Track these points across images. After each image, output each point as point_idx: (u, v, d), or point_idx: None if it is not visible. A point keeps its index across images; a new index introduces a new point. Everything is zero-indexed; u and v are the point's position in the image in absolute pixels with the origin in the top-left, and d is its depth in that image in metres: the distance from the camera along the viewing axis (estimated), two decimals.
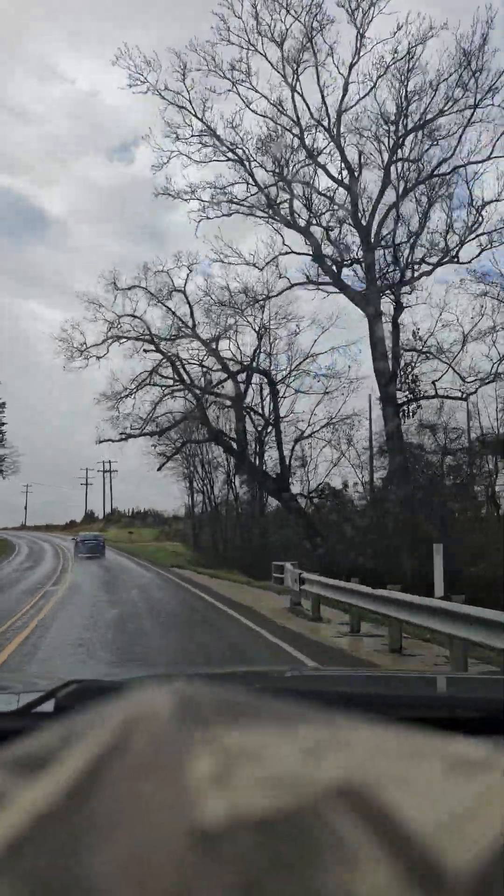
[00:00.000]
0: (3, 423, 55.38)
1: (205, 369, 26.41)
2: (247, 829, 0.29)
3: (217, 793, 0.30)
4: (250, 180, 23.69)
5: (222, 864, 0.27)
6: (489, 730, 1.22)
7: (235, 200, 23.95)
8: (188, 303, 25.53)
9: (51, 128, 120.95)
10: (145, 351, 25.38)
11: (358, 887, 0.27)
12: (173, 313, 25.50)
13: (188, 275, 26.16)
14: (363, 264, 23.24)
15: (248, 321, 26.18)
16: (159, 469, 29.85)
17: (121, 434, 25.97)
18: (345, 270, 23.89)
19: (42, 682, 1.67)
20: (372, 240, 22.93)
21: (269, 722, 0.36)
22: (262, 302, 25.54)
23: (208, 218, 24.12)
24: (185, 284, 25.53)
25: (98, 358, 25.22)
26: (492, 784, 0.32)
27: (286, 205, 23.67)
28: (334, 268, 23.69)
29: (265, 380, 27.45)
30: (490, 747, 0.36)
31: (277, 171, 23.43)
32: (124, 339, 25.27)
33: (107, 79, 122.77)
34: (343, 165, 23.10)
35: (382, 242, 23.22)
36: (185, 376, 25.95)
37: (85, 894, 0.27)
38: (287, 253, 24.21)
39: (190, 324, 25.49)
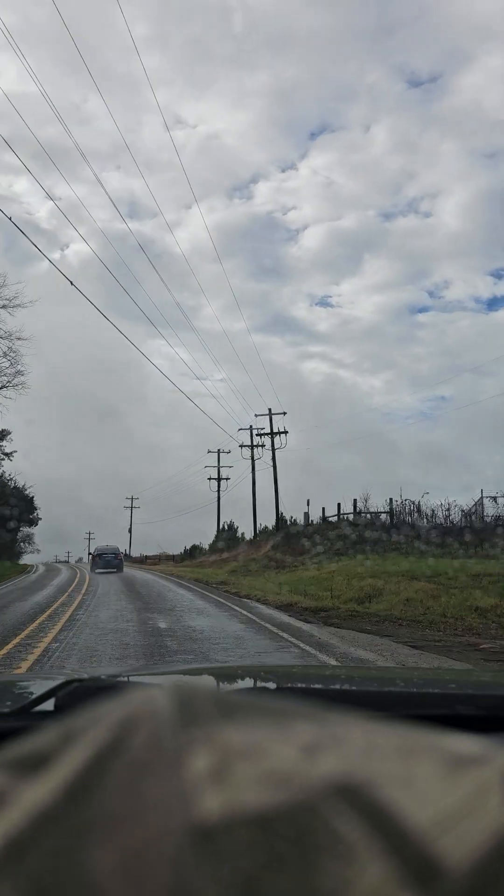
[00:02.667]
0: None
1: None
2: (244, 826, 0.29)
3: (215, 790, 0.30)
4: None
5: (220, 861, 0.27)
6: (487, 726, 1.22)
7: None
8: None
9: (174, 173, 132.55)
10: None
11: (355, 883, 0.27)
12: None
13: None
14: None
15: None
16: None
17: None
18: None
19: (42, 681, 1.63)
20: None
21: (267, 719, 0.36)
22: None
23: None
24: None
25: None
26: (488, 780, 0.32)
27: None
28: None
29: None
30: (487, 744, 0.36)
31: None
32: None
33: (227, 119, 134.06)
34: None
35: None
36: None
37: (85, 893, 0.27)
38: None
39: None
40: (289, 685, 1.71)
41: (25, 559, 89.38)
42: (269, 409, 41.70)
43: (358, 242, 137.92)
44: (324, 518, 32.07)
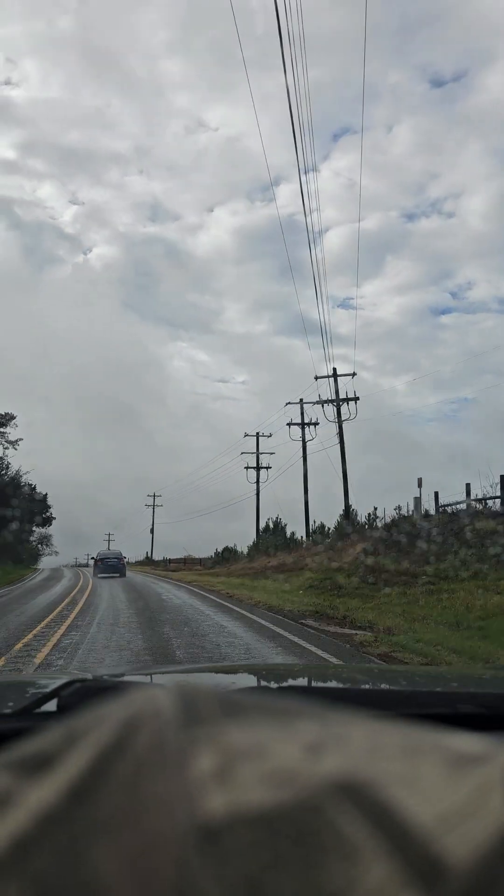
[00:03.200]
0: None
1: None
2: (248, 826, 0.29)
3: (219, 790, 0.30)
4: None
5: (225, 861, 0.28)
6: (490, 725, 1.23)
7: None
8: None
9: (196, 176, 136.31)
10: None
11: (359, 883, 0.27)
12: None
13: None
14: None
15: None
16: None
17: None
18: None
19: (45, 682, 1.63)
20: None
21: (270, 718, 0.37)
22: None
23: None
24: None
25: None
26: (491, 779, 0.32)
27: None
28: None
29: None
30: (490, 742, 0.36)
31: None
32: None
33: (249, 122, 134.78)
34: None
35: None
36: None
37: (89, 893, 0.27)
38: None
39: None
40: (291, 684, 1.71)
41: (44, 562, 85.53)
42: (334, 370, 32.21)
43: (380, 244, 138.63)
44: (439, 508, 21.93)
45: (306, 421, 35.76)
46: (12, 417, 61.07)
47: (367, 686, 1.83)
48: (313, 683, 1.84)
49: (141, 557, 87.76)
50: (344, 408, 30.44)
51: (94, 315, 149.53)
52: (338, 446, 29.57)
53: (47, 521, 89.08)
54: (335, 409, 31.08)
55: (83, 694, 1.21)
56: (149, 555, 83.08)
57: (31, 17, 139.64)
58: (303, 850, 0.28)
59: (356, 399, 30.39)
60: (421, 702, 1.47)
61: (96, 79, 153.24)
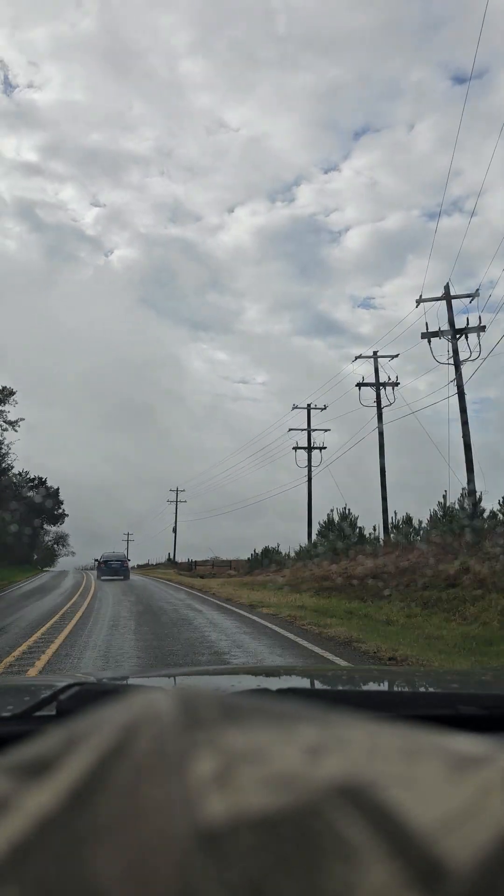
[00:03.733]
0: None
1: None
2: (249, 829, 0.29)
3: (219, 793, 0.30)
4: None
5: (226, 865, 0.27)
6: (491, 726, 1.23)
7: None
8: None
9: (217, 177, 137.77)
10: None
11: (360, 885, 0.27)
12: None
13: None
14: None
15: None
16: None
17: None
18: None
19: (44, 685, 1.61)
20: None
21: (270, 722, 0.36)
22: None
23: None
24: None
25: None
26: (492, 781, 0.32)
27: None
28: None
29: None
30: (491, 744, 0.36)
31: None
32: None
33: (270, 122, 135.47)
34: None
35: None
36: None
37: None
38: None
39: None
40: (291, 687, 1.69)
41: (61, 563, 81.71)
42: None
43: (401, 243, 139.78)
44: None
45: (382, 380, 26.85)
46: (11, 393, 53.07)
47: (367, 688, 1.86)
48: (313, 686, 1.86)
49: (162, 559, 79.79)
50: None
51: (115, 316, 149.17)
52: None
53: (59, 518, 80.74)
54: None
55: (82, 697, 1.21)
56: (171, 556, 74.48)
57: (53, 20, 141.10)
58: (304, 853, 0.28)
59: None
60: (421, 703, 1.49)
61: (118, 81, 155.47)
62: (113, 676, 2.17)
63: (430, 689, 1.78)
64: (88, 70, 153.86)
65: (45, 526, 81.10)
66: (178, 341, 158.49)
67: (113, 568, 35.96)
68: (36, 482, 73.33)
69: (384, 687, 1.87)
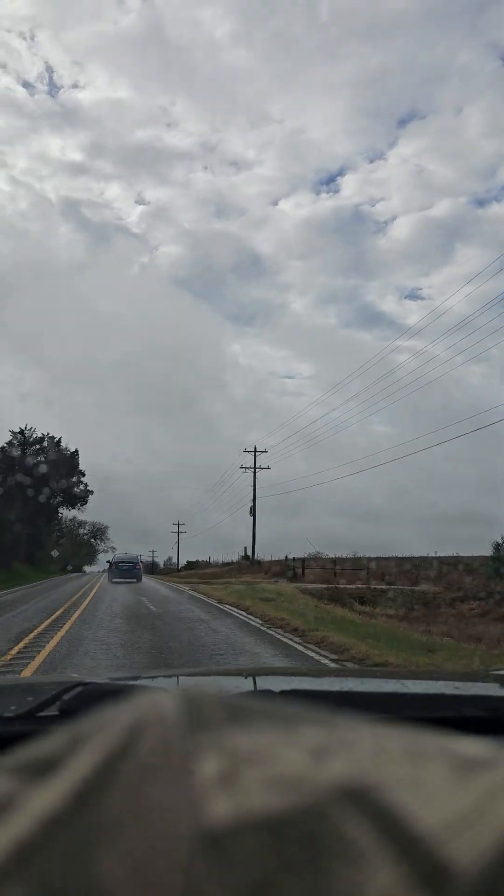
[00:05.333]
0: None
1: None
2: (253, 831, 0.29)
3: (224, 794, 0.30)
4: None
5: (230, 866, 0.27)
6: (495, 729, 1.22)
7: None
8: None
9: (260, 170, 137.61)
10: None
11: (365, 888, 0.27)
12: None
13: None
14: None
15: None
16: None
17: None
18: None
19: (47, 685, 1.60)
20: None
21: (275, 723, 0.36)
22: None
23: None
24: None
25: None
26: (498, 784, 0.32)
27: None
28: None
29: None
30: (496, 746, 0.36)
31: None
32: None
33: (313, 112, 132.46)
34: None
35: None
36: None
37: None
38: None
39: None
40: (295, 688, 1.69)
41: (100, 561, 77.47)
42: None
43: (449, 231, 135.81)
44: None
45: None
46: None
47: (370, 690, 1.84)
48: (317, 687, 1.86)
49: (230, 556, 56.31)
50: None
51: (160, 313, 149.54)
52: None
53: (80, 498, 57.46)
54: None
55: (86, 698, 1.21)
56: (248, 552, 46.91)
57: (95, 18, 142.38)
58: (309, 855, 0.28)
59: None
60: (424, 705, 1.48)
61: (161, 77, 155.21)
62: (116, 677, 2.28)
63: (434, 691, 1.78)
64: (131, 67, 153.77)
65: (60, 509, 57.44)
66: (224, 336, 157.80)
67: (124, 570, 35.53)
68: (44, 443, 49.93)
69: (387, 688, 1.87)
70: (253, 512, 45.49)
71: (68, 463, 50.65)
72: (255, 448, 47.75)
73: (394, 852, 0.28)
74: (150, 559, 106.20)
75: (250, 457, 44.17)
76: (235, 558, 53.93)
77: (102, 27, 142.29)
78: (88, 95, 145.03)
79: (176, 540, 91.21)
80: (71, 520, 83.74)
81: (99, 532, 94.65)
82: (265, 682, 1.91)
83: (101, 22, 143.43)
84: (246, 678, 2.00)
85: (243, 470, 47.32)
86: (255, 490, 46.29)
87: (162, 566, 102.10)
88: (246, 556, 46.74)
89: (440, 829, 0.29)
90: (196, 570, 57.44)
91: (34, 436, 50.24)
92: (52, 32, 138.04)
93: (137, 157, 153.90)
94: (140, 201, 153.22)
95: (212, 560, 69.12)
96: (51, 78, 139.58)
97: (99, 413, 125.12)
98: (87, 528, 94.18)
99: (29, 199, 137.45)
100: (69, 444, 52.36)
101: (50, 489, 47.34)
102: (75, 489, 54.40)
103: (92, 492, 55.93)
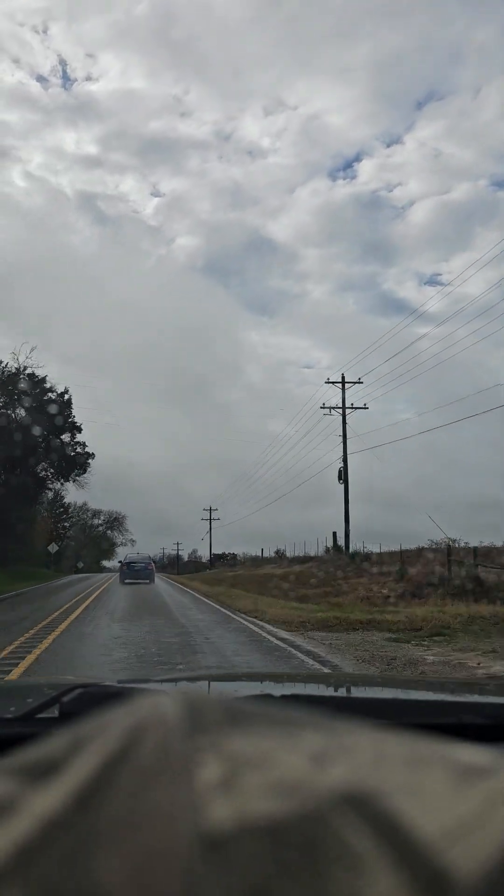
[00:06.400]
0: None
1: None
2: (253, 836, 0.29)
3: (224, 799, 0.30)
4: None
5: (229, 871, 0.27)
6: (494, 736, 1.21)
7: None
8: None
9: (276, 158, 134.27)
10: None
11: (365, 894, 0.27)
12: None
13: None
14: None
15: None
16: None
17: None
18: None
19: (46, 687, 1.61)
20: None
21: (275, 728, 0.36)
22: None
23: None
24: None
25: None
26: (498, 791, 0.32)
27: None
28: None
29: None
30: (496, 754, 0.36)
31: None
32: None
33: (329, 97, 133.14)
34: None
35: None
36: None
37: None
38: None
39: None
40: (295, 693, 1.68)
41: (120, 555, 66.13)
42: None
43: (468, 215, 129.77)
44: None
45: None
46: None
47: (370, 695, 1.83)
48: (317, 692, 1.84)
49: (259, 550, 45.74)
50: None
51: (177, 304, 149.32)
52: None
53: (80, 466, 40.20)
54: None
55: (85, 700, 1.20)
56: (337, 540, 30.95)
57: (107, 9, 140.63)
58: (308, 860, 0.28)
59: None
60: (424, 712, 1.47)
61: (174, 66, 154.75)
62: (116, 679, 2.20)
63: (433, 698, 1.78)
64: (144, 57, 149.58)
65: (50, 482, 40.47)
66: (242, 326, 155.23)
67: (136, 570, 34.71)
68: (19, 381, 33.08)
69: (387, 694, 1.84)
70: (343, 475, 28.39)
71: (58, 411, 33.71)
72: (343, 378, 30.63)
73: (393, 859, 0.28)
74: (175, 552, 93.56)
75: (330, 394, 29.86)
76: (266, 553, 44.08)
77: (115, 17, 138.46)
78: (102, 87, 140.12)
79: (207, 529, 73.99)
80: (81, 506, 67.75)
81: (116, 522, 79.79)
82: (265, 687, 1.93)
83: (114, 12, 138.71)
84: (245, 682, 2.12)
85: (327, 412, 30.50)
86: (345, 441, 29.26)
87: (186, 559, 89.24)
88: (336, 546, 29.51)
89: (440, 836, 0.29)
90: (230, 567, 46.35)
91: (4, 369, 33.25)
92: (65, 24, 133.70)
93: (152, 148, 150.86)
94: (156, 193, 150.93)
95: (240, 555, 55.15)
96: (64, 71, 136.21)
97: (114, 401, 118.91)
98: (103, 517, 79.50)
99: (45, 194, 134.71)
100: (58, 384, 35.34)
101: (32, 447, 30.78)
102: (69, 450, 37.26)
103: (92, 454, 38.80)
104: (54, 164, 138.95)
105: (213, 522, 71.21)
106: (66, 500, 60.80)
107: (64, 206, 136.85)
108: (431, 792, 0.31)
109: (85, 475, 39.77)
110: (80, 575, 45.30)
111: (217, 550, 70.52)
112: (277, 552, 44.81)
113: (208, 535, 71.36)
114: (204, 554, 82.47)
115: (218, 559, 64.79)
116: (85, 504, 73.68)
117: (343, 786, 0.31)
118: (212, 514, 71.44)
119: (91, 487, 43.02)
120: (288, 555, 40.76)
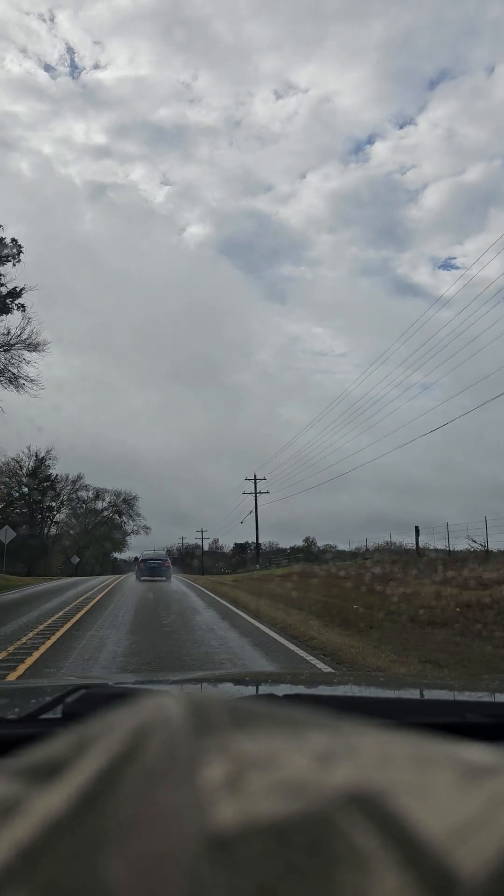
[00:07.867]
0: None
1: None
2: (259, 836, 0.29)
3: (229, 799, 0.30)
4: None
5: (235, 871, 0.27)
6: (499, 735, 1.21)
7: None
8: None
9: (287, 143, 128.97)
10: None
11: (371, 894, 0.27)
12: None
13: None
14: None
15: None
16: None
17: None
18: None
19: (49, 688, 1.64)
20: None
21: (281, 728, 0.36)
22: None
23: None
24: None
25: None
26: (503, 790, 0.32)
27: None
28: None
29: None
30: (502, 753, 0.36)
31: None
32: None
33: (340, 79, 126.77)
34: None
35: None
36: None
37: None
38: None
39: None
40: (300, 693, 1.68)
41: (135, 545, 60.55)
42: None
43: (483, 196, 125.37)
44: None
45: None
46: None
47: (374, 695, 1.83)
48: (322, 692, 1.84)
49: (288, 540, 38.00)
50: None
51: (189, 293, 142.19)
52: None
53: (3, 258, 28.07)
54: None
55: (89, 701, 1.21)
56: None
57: None
58: (314, 860, 0.28)
59: None
60: (429, 711, 1.47)
61: (182, 51, 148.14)
62: (119, 680, 2.23)
63: (438, 697, 1.78)
64: (152, 43, 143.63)
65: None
66: (254, 314, 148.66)
67: (152, 567, 33.99)
68: None
69: (391, 693, 1.86)
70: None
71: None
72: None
73: (400, 858, 0.28)
74: (200, 541, 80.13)
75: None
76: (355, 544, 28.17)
77: (121, 3, 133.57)
78: (110, 75, 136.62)
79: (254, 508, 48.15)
80: (74, 480, 53.23)
81: (126, 505, 63.81)
82: (270, 687, 1.94)
83: None
84: (249, 682, 2.09)
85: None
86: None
87: (207, 549, 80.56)
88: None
89: (446, 835, 0.29)
90: (283, 567, 32.32)
91: None
92: (72, 12, 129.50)
93: (161, 135, 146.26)
94: (165, 181, 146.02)
95: (322, 546, 43.10)
96: (72, 59, 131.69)
97: (126, 391, 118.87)
98: (109, 498, 62.05)
99: (54, 184, 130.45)
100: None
101: None
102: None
103: (21, 246, 29.14)
104: (64, 155, 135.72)
105: (258, 498, 46.92)
106: (53, 472, 47.49)
107: (74, 197, 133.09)
108: (437, 791, 0.31)
109: (15, 265, 28.83)
110: (59, 582, 31.01)
111: (240, 541, 57.48)
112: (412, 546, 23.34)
113: (251, 514, 46.31)
114: (226, 544, 67.49)
115: (243, 552, 48.75)
116: (80, 478, 54.28)
117: (349, 786, 0.31)
118: (257, 484, 46.29)
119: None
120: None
